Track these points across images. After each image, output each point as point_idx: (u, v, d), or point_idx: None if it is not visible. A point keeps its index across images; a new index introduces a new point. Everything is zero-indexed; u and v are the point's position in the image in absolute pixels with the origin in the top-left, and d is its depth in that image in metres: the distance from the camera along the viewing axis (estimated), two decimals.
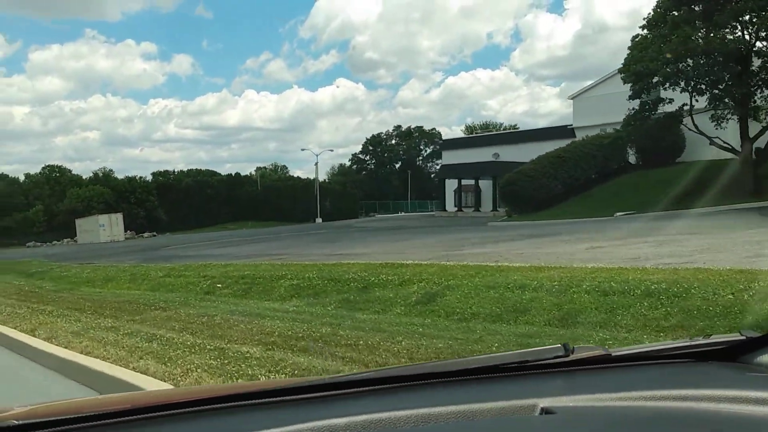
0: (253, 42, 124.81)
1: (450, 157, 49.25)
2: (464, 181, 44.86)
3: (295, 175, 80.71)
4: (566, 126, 44.30)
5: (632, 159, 37.20)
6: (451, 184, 46.52)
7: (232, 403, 1.12)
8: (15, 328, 7.89)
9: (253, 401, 1.14)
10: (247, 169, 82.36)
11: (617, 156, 36.47)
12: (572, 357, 1.27)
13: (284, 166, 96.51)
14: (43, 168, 69.67)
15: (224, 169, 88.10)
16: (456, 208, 45.00)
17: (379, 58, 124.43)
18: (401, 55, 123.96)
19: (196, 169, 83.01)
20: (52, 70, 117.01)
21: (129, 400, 1.34)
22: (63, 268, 17.25)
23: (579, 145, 36.22)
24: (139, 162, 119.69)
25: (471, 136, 58.52)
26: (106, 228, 48.47)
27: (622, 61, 29.81)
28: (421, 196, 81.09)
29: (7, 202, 62.40)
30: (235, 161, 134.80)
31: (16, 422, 1.02)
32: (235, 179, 75.07)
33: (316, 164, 65.51)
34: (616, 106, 38.38)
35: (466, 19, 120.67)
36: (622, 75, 29.54)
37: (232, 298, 9.08)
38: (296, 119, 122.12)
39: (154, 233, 56.54)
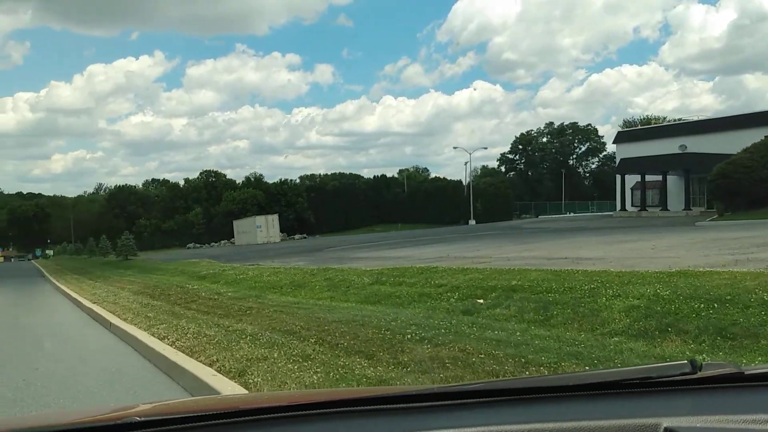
0: (391, 48, 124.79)
1: (625, 151, 43.44)
2: (647, 178, 39.09)
3: (439, 177, 77.72)
4: None
5: None
6: (628, 182, 40.81)
7: (345, 408, 1.09)
8: (211, 366, 5.04)
9: (364, 407, 1.10)
10: (387, 173, 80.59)
11: None
12: (700, 374, 1.16)
13: (425, 168, 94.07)
14: (201, 173, 72.48)
15: (363, 174, 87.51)
16: (638, 207, 39.22)
17: (517, 58, 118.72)
18: (541, 55, 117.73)
19: (340, 173, 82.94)
20: (206, 83, 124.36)
21: (254, 401, 1.37)
22: (235, 270, 15.09)
23: None
24: (283, 168, 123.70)
25: (651, 126, 51.77)
26: (262, 229, 48.24)
27: None
28: (574, 196, 74.73)
29: (169, 206, 65.66)
30: (372, 166, 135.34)
31: (139, 419, 1.01)
32: (380, 181, 73.46)
33: (467, 164, 62.24)
34: None
35: (610, 14, 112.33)
36: None
37: (523, 325, 5.65)
38: (432, 123, 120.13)
39: (305, 235, 56.05)
